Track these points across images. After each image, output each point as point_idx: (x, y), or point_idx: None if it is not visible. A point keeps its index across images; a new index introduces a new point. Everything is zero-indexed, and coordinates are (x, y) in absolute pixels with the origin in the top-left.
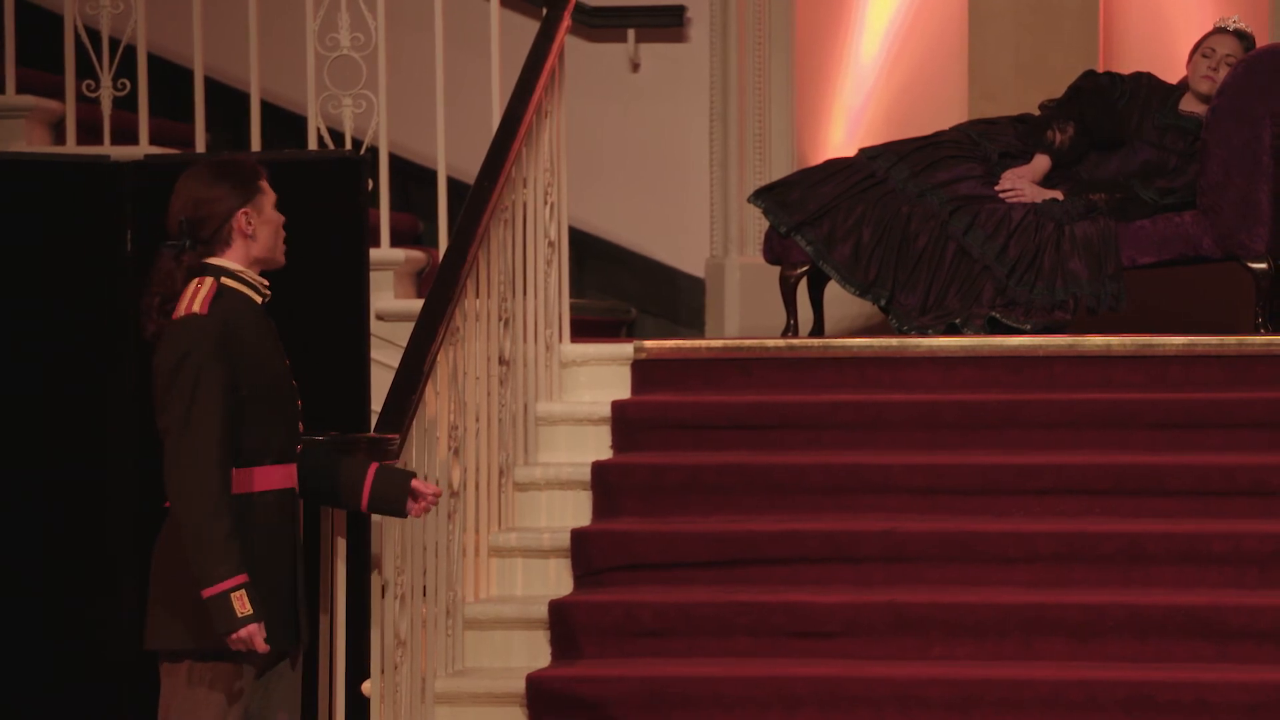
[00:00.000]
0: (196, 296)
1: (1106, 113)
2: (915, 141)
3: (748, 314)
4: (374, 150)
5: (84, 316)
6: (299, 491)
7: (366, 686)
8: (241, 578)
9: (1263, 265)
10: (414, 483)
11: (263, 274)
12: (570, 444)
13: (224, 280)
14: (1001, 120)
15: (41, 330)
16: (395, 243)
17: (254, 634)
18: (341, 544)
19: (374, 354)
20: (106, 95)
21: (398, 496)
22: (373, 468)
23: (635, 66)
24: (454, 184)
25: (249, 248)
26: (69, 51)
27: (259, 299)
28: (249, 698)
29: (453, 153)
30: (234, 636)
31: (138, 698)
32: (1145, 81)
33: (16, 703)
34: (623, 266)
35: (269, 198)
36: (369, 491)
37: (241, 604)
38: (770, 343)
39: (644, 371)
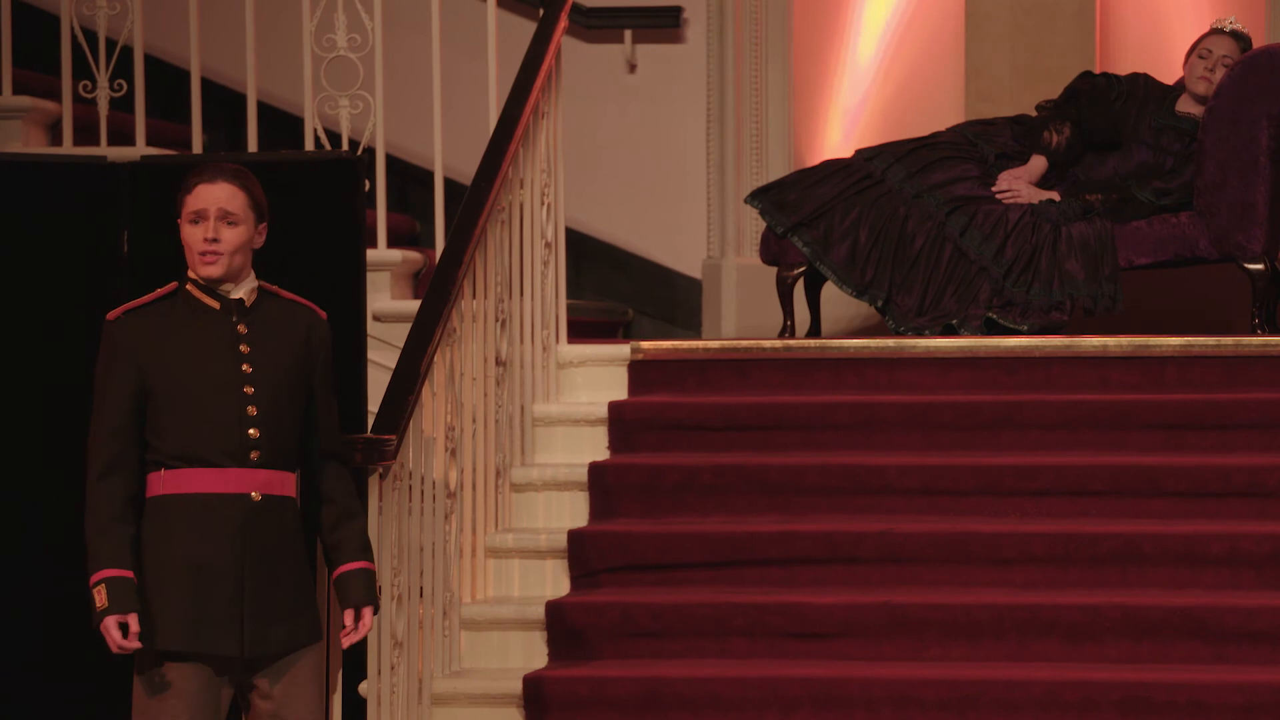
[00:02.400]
0: (130, 302)
1: (1103, 114)
2: (912, 142)
3: (744, 315)
4: (371, 151)
5: (81, 317)
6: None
7: (363, 687)
8: (104, 572)
9: (1259, 266)
10: (365, 610)
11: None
12: (567, 445)
13: (187, 286)
14: (998, 121)
15: (38, 331)
16: (392, 243)
17: (108, 628)
18: None
19: (371, 355)
20: (103, 96)
21: (351, 601)
22: (358, 565)
23: (632, 67)
24: (451, 185)
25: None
26: (65, 52)
27: (216, 304)
28: (190, 701)
29: (450, 154)
30: (101, 629)
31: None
32: (1142, 82)
33: (17, 702)
34: (620, 267)
35: (187, 209)
36: (339, 573)
37: (100, 597)
38: (767, 344)
39: (641, 372)
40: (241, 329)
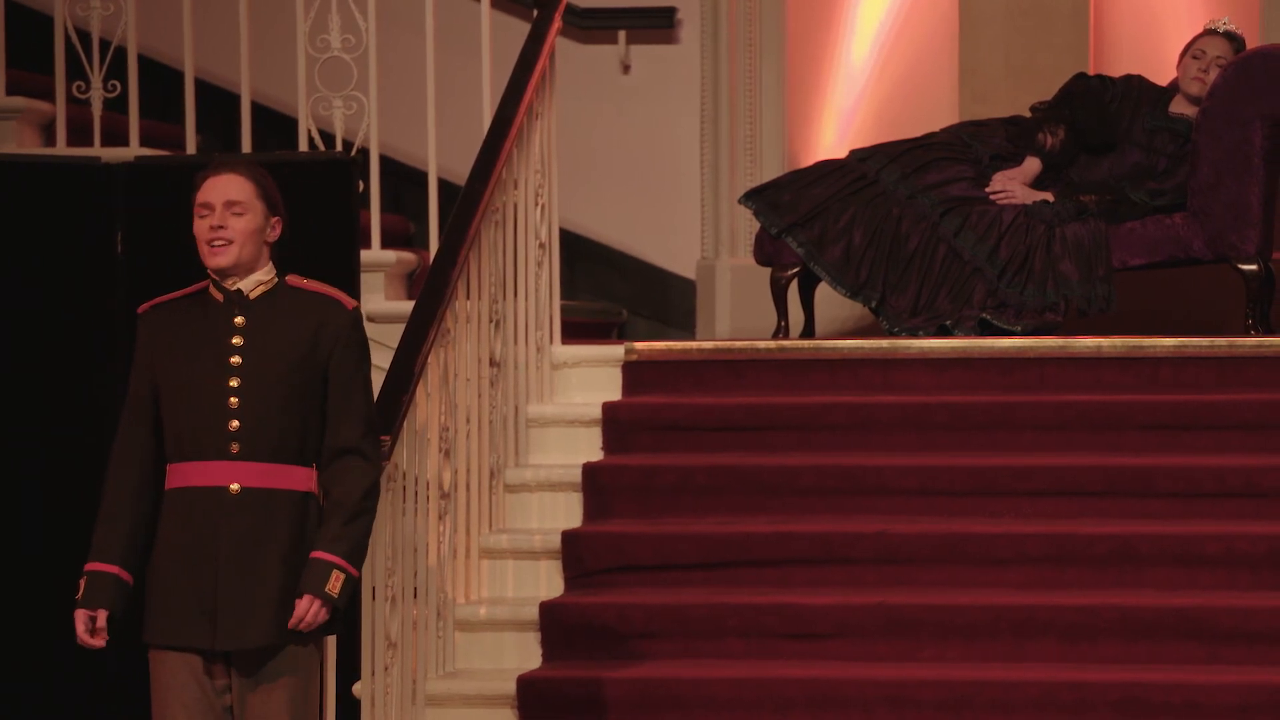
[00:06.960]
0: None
1: (1097, 115)
2: (906, 143)
3: (738, 315)
4: (364, 152)
5: (77, 317)
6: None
7: (357, 688)
8: (89, 565)
9: (1253, 267)
10: (304, 598)
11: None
12: (561, 446)
13: (210, 282)
14: (992, 122)
15: (35, 331)
16: (386, 244)
17: (76, 619)
18: None
19: None
20: (97, 97)
21: (306, 586)
22: (318, 555)
23: (626, 68)
24: (445, 185)
25: None
26: (59, 53)
27: (220, 296)
28: (176, 694)
29: (444, 154)
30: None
31: (130, 695)
32: (1135, 83)
33: (16, 700)
34: (613, 268)
35: (196, 205)
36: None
37: (80, 589)
38: (761, 344)
39: (635, 373)
40: (238, 321)
